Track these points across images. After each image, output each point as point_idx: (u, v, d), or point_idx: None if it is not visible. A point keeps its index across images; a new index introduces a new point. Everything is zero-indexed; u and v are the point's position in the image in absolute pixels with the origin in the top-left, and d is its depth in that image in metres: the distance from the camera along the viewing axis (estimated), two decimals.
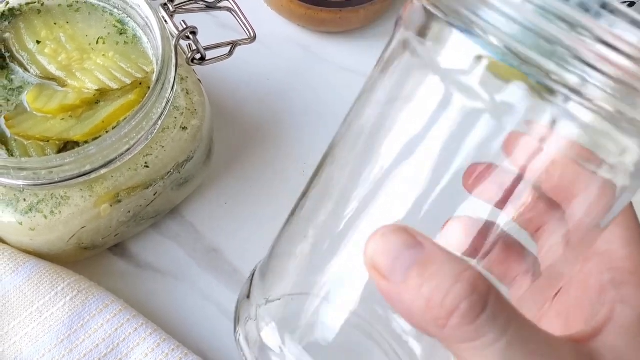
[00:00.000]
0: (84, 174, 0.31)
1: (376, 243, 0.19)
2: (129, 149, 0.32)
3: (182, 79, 0.36)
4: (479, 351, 0.18)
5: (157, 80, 0.32)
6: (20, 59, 0.34)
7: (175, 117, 0.35)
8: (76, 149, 0.30)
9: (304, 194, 0.27)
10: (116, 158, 0.32)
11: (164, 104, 0.32)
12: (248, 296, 0.26)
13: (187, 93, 0.36)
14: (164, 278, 0.39)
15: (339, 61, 0.46)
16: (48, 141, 0.32)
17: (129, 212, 0.35)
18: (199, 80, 0.37)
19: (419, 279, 0.18)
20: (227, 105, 0.44)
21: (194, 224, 0.41)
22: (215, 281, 0.40)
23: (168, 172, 0.35)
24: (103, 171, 0.32)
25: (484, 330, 0.17)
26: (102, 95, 0.34)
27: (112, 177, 0.33)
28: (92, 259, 0.39)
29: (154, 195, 0.35)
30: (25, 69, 0.34)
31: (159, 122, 0.32)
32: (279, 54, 0.46)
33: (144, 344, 0.35)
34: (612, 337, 0.20)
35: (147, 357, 0.35)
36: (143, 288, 0.39)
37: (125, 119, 0.33)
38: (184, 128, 0.35)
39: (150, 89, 0.31)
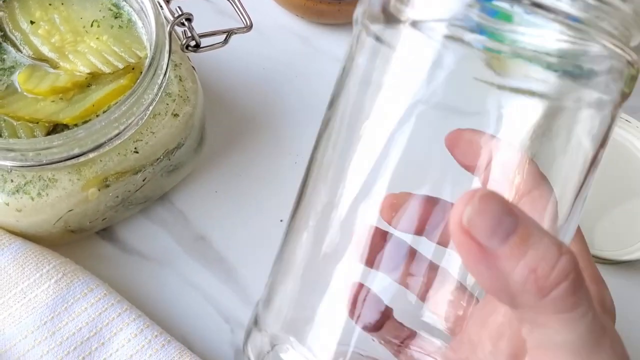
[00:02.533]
0: (72, 157, 0.31)
1: (473, 205, 0.18)
2: (118, 134, 0.32)
3: (175, 65, 0.36)
4: (573, 322, 0.19)
5: (150, 65, 0.31)
6: (13, 38, 0.34)
7: (167, 104, 0.35)
8: (65, 132, 0.30)
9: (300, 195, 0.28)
10: (105, 142, 0.31)
11: (155, 90, 0.32)
12: (255, 323, 0.26)
13: (180, 80, 0.36)
14: (150, 263, 0.39)
15: (336, 53, 0.46)
16: (37, 123, 0.32)
17: (117, 196, 0.35)
18: (193, 67, 0.37)
19: (521, 248, 0.18)
20: (221, 94, 0.44)
21: (182, 211, 0.41)
22: (201, 268, 0.40)
23: (158, 159, 0.35)
24: (92, 155, 0.31)
25: (580, 302, 0.18)
26: (94, 78, 0.33)
27: (101, 161, 0.33)
28: (79, 241, 0.39)
29: (143, 181, 0.35)
30: (18, 49, 0.34)
31: (150, 108, 0.32)
32: (276, 43, 0.46)
33: (127, 329, 0.35)
34: None
35: (130, 342, 0.35)
36: (129, 273, 0.39)
37: (116, 103, 0.33)
38: (176, 115, 0.35)
39: (142, 74, 0.31)
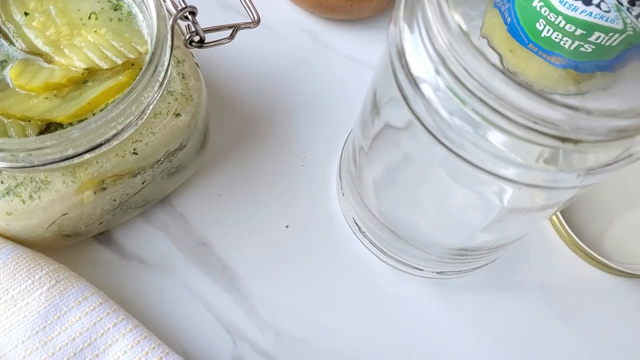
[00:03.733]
0: (66, 159, 0.29)
1: None
2: (116, 134, 0.29)
3: (178, 62, 0.34)
4: None
5: (150, 61, 0.29)
6: (6, 31, 0.32)
7: (169, 103, 0.33)
8: (58, 132, 0.28)
9: None
10: (102, 143, 0.29)
11: (156, 88, 0.30)
12: None
13: (183, 77, 0.33)
14: (150, 270, 0.37)
15: (346, 51, 0.44)
16: (29, 121, 0.30)
17: (115, 200, 0.33)
18: (197, 64, 0.35)
19: None
20: (225, 92, 0.41)
21: (184, 215, 0.39)
22: (202, 276, 0.38)
23: (158, 161, 0.33)
24: (87, 156, 0.29)
25: None
26: (91, 74, 0.31)
27: (97, 162, 0.31)
28: (75, 245, 0.37)
29: (142, 184, 0.33)
30: (10, 42, 0.32)
31: (150, 107, 0.30)
32: (284, 40, 0.44)
33: (123, 340, 0.33)
34: None
35: (126, 354, 0.33)
36: (127, 279, 0.37)
37: (113, 101, 0.31)
38: (178, 114, 0.33)
39: (142, 70, 0.29)
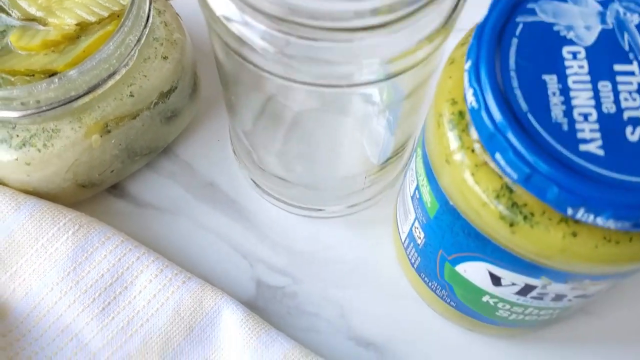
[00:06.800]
0: (70, 101, 0.32)
1: None
2: (110, 75, 0.33)
3: (159, 12, 0.37)
4: None
5: (132, 4, 0.33)
6: (1, 4, 0.36)
7: (156, 48, 0.36)
8: (59, 74, 0.31)
9: None
10: (99, 84, 0.33)
11: (140, 29, 0.33)
12: None
13: (166, 25, 0.37)
14: (163, 214, 0.40)
15: None
16: (33, 75, 0.33)
17: (120, 144, 0.36)
18: (177, 14, 0.38)
19: None
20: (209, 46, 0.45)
21: (188, 162, 0.42)
22: (213, 211, 0.41)
23: (153, 102, 0.36)
24: (88, 98, 0.33)
25: None
26: (82, 30, 0.35)
27: (99, 107, 0.34)
28: (92, 200, 0.40)
29: (142, 126, 0.37)
30: (7, 14, 0.35)
31: (137, 47, 0.34)
32: None
33: (147, 271, 0.36)
34: None
35: (152, 283, 0.36)
36: (143, 225, 0.40)
37: None
38: (165, 57, 0.36)
39: (125, 13, 0.33)
